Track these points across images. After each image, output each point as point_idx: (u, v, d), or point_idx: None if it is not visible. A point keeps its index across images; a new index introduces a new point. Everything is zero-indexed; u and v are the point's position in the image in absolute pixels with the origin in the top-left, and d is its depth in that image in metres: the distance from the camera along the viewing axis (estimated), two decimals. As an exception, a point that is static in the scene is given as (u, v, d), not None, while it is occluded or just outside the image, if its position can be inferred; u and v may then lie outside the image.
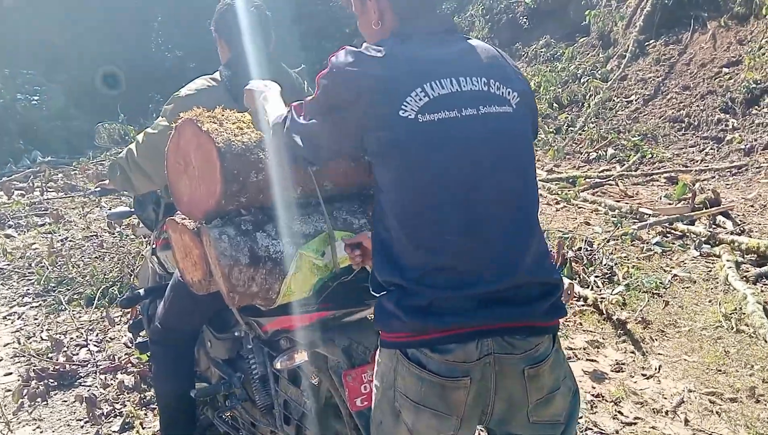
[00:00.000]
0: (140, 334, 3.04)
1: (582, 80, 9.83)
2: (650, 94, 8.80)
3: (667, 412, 2.90)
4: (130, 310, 3.92)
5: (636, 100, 8.88)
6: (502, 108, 1.44)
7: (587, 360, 3.44)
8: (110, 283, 4.71)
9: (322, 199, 1.85)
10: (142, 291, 2.91)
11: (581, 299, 4.09)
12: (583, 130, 8.62)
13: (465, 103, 1.40)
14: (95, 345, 3.91)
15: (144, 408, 3.17)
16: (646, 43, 9.51)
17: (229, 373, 2.48)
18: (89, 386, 3.41)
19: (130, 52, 15.86)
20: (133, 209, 3.04)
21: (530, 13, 11.49)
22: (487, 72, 1.46)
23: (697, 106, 8.07)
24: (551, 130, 9.09)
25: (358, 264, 1.75)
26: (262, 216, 1.86)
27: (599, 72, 9.81)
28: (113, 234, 6.11)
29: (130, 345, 3.77)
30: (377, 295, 1.48)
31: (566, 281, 4.01)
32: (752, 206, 5.88)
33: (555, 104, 9.61)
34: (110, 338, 4.01)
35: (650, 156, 7.71)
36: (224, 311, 2.46)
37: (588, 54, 10.44)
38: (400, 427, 1.44)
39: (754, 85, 7.57)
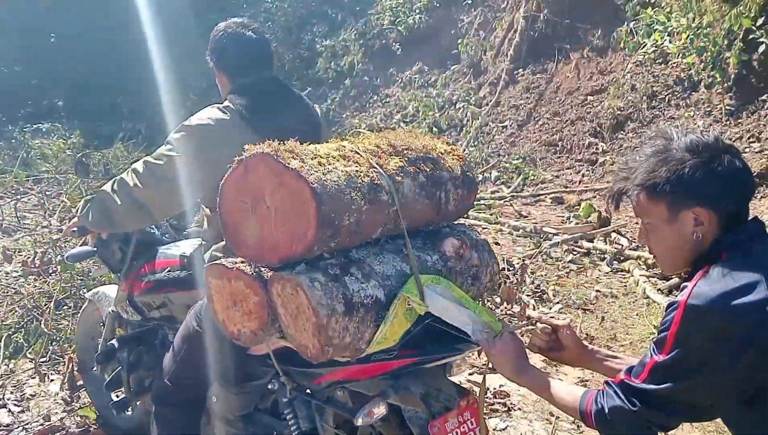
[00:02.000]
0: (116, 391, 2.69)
1: (457, 105, 10.26)
2: (523, 120, 9.39)
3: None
4: (67, 362, 3.46)
5: (510, 126, 9.43)
6: None
7: (552, 379, 3.56)
8: (11, 330, 4.13)
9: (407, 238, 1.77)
10: (115, 342, 2.59)
11: (528, 319, 4.24)
12: (467, 154, 8.99)
13: None
14: (15, 404, 3.39)
15: (105, 474, 2.80)
16: (515, 72, 10.14)
17: (251, 431, 2.26)
18: (25, 454, 2.95)
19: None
20: (95, 249, 2.70)
21: (402, 39, 11.82)
22: None
23: (569, 130, 8.73)
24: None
25: (540, 349, 1.74)
26: (345, 258, 1.73)
27: (473, 98, 10.31)
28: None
29: (69, 401, 3.32)
30: None
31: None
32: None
33: (435, 128, 9.95)
34: (31, 395, 3.50)
35: (532, 177, 8.21)
36: (241, 361, 2.24)
37: (460, 81, 10.92)
38: None
39: (618, 112, 8.34)
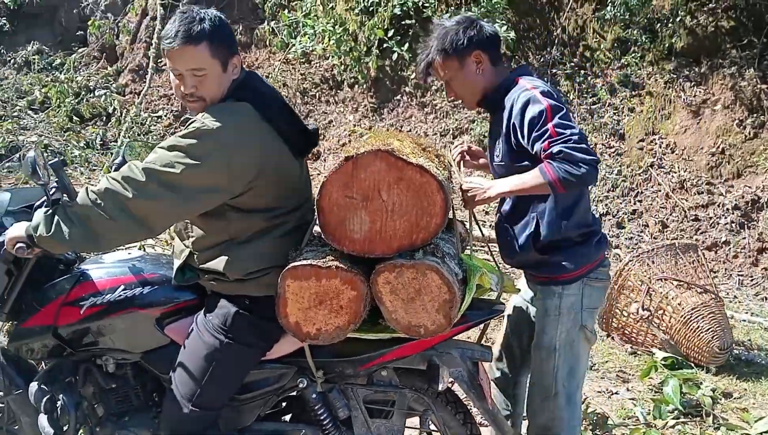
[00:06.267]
0: None
1: (97, 93, 9.52)
2: (179, 111, 9.28)
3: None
4: None
5: (166, 116, 9.24)
6: None
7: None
8: None
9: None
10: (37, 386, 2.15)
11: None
12: (128, 144, 8.50)
13: None
14: None
15: None
16: (160, 61, 9.88)
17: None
18: None
19: None
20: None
21: (11, 14, 10.26)
22: None
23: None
24: (81, 144, 8.60)
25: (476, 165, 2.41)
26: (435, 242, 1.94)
27: (114, 85, 9.69)
28: None
29: None
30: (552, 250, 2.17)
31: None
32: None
33: (76, 117, 9.08)
34: None
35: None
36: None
37: (94, 66, 10.11)
38: (582, 334, 2.21)
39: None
